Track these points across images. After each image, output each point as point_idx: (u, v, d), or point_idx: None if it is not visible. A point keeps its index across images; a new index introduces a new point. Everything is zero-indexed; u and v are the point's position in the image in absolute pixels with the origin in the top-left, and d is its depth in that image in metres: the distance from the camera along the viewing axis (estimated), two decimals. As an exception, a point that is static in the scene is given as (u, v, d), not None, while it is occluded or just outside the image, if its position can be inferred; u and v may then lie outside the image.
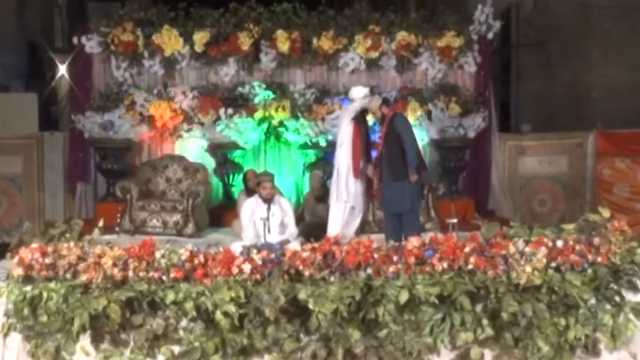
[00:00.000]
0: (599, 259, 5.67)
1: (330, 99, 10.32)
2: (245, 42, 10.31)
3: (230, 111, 10.14)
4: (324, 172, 9.94)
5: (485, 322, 5.43)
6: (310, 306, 5.22)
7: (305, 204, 9.73)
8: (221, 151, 10.42)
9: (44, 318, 5.36)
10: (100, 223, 6.08)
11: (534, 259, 5.48)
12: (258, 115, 10.26)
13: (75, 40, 10.56)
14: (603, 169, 11.55)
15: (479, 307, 5.49)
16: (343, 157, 8.37)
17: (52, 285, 5.42)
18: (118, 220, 9.32)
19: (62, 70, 12.60)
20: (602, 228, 5.87)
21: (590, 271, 5.63)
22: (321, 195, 9.47)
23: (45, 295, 5.35)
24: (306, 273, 5.45)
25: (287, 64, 10.68)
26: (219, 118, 10.18)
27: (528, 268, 5.42)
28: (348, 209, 8.50)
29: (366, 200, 8.67)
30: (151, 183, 10.05)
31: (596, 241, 5.73)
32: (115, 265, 5.40)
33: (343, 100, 9.99)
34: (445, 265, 5.49)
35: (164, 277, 5.45)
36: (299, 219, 8.70)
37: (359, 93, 8.52)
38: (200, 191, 9.51)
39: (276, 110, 10.25)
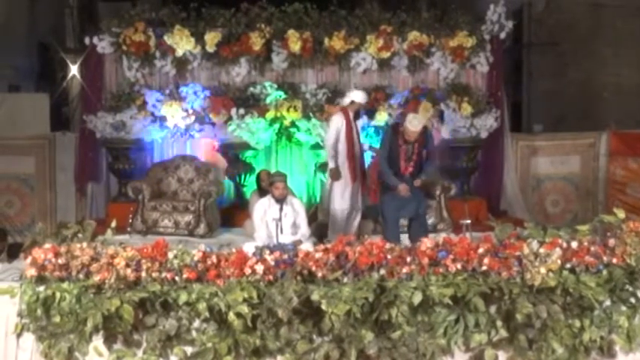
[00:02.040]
0: (614, 261, 5.65)
1: (341, 99, 10.27)
2: (256, 42, 10.29)
3: (241, 111, 10.13)
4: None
5: (499, 323, 5.41)
6: (323, 307, 5.21)
7: (320, 203, 9.71)
8: (232, 151, 10.41)
9: (57, 318, 5.37)
10: (113, 224, 6.09)
11: (549, 260, 5.46)
12: (270, 115, 10.24)
13: (86, 40, 10.57)
14: (616, 169, 11.47)
15: (493, 309, 5.47)
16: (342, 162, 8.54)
17: (65, 285, 5.43)
18: (130, 221, 9.32)
19: (74, 70, 12.64)
20: (617, 229, 5.83)
21: (605, 272, 5.60)
22: None
23: (58, 295, 5.37)
24: (319, 274, 5.44)
25: (298, 64, 10.65)
26: (230, 119, 10.16)
27: (543, 270, 5.40)
28: (346, 212, 8.59)
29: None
30: (163, 183, 10.04)
31: (611, 242, 5.70)
32: (127, 265, 5.41)
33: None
34: (459, 266, 5.48)
35: (177, 278, 5.46)
36: (311, 219, 8.69)
37: (362, 97, 8.70)
38: (212, 191, 9.49)
39: (288, 110, 10.23)
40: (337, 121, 8.55)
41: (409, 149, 7.98)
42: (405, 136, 7.93)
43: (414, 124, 7.88)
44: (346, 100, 8.72)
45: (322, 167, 10.23)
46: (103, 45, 10.45)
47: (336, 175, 8.50)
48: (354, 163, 8.51)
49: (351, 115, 8.57)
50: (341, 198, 8.50)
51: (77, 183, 10.90)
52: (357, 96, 8.65)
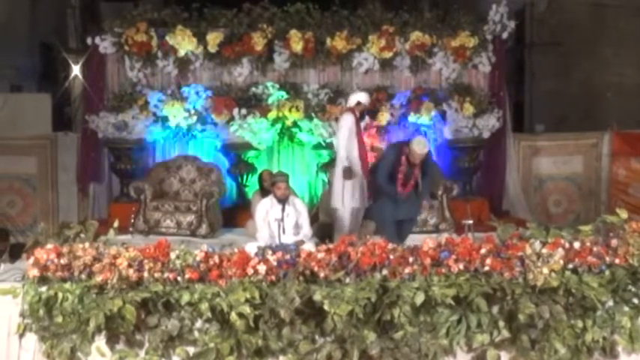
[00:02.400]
0: (616, 261, 5.65)
1: (343, 99, 10.26)
2: (258, 42, 10.29)
3: (243, 111, 10.13)
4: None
5: (501, 324, 5.41)
6: (325, 307, 5.21)
7: (321, 203, 9.70)
8: (235, 151, 10.41)
9: (60, 319, 5.38)
10: (115, 224, 6.09)
11: (551, 260, 5.46)
12: (272, 115, 10.23)
13: (88, 40, 10.58)
14: (618, 169, 11.45)
15: (495, 309, 5.47)
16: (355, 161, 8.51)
17: (67, 286, 5.44)
18: (132, 221, 9.31)
19: (76, 70, 12.62)
20: (619, 229, 5.83)
21: (607, 272, 5.60)
22: None
23: (60, 295, 5.38)
24: (322, 274, 5.45)
25: (300, 65, 10.64)
26: (232, 119, 10.16)
27: (545, 270, 5.40)
28: (355, 212, 8.57)
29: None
30: (165, 183, 10.04)
31: (614, 242, 5.70)
32: (130, 265, 5.41)
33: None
34: (461, 266, 5.48)
35: (179, 278, 5.47)
36: (313, 219, 8.67)
37: (367, 98, 8.66)
38: (214, 192, 9.49)
39: (290, 110, 10.22)
40: (348, 120, 8.49)
41: (408, 171, 7.95)
42: (410, 157, 7.86)
43: (420, 147, 7.83)
44: (352, 102, 8.67)
45: (324, 167, 10.24)
46: (105, 45, 10.46)
47: (349, 174, 8.47)
48: (365, 161, 8.48)
49: (357, 115, 8.58)
50: (352, 197, 8.44)
51: (79, 183, 10.90)
52: (363, 97, 8.61)
